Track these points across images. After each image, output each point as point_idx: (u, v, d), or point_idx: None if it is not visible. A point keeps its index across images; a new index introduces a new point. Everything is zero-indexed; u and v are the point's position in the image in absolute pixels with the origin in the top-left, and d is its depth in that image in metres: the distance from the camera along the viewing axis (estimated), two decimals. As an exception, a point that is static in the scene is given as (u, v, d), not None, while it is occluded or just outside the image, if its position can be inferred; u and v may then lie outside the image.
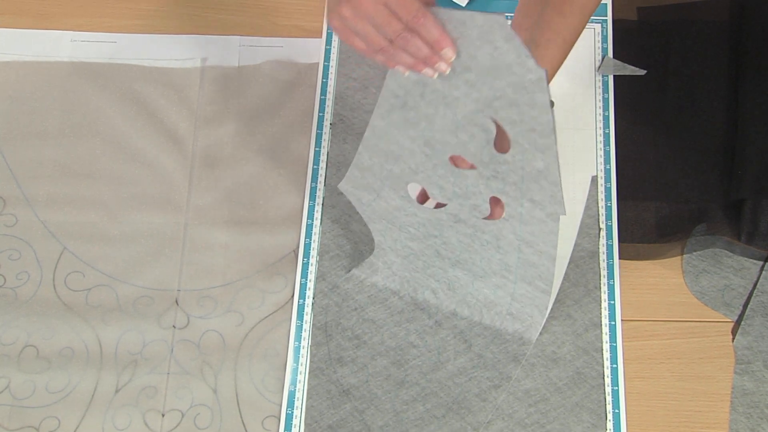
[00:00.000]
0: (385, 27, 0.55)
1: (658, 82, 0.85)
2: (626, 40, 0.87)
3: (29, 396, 0.75)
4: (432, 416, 0.73)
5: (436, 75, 0.58)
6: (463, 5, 0.87)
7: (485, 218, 0.67)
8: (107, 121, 0.84)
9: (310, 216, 0.81)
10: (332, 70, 0.86)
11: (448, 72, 0.58)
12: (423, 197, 0.72)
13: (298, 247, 0.80)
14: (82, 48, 0.87)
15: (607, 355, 0.75)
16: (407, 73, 0.59)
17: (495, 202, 0.67)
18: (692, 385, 0.75)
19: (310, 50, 0.87)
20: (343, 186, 0.72)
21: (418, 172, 0.67)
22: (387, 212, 0.72)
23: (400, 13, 0.55)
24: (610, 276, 0.78)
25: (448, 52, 0.56)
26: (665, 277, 0.79)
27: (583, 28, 0.69)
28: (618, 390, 0.74)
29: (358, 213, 0.80)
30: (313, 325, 0.77)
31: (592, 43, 0.87)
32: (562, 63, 0.70)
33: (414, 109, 0.62)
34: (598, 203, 0.80)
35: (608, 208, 0.80)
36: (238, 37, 0.88)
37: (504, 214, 0.66)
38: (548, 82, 0.59)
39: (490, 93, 0.57)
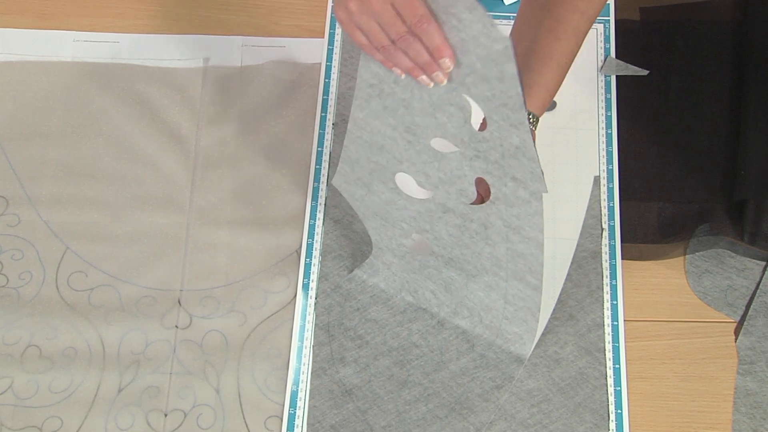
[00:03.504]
0: (389, 26, 0.55)
1: (661, 82, 0.85)
2: (629, 41, 0.87)
3: (32, 396, 0.75)
4: (435, 416, 0.73)
5: (432, 84, 0.58)
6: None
7: (472, 203, 0.66)
8: (110, 121, 0.84)
9: (313, 216, 0.81)
10: (334, 70, 0.86)
11: (444, 82, 0.58)
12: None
13: (300, 247, 0.80)
14: (85, 48, 0.87)
15: (609, 355, 0.75)
16: (402, 76, 0.59)
17: (481, 184, 0.66)
18: (695, 386, 0.75)
19: (312, 50, 0.87)
20: (336, 182, 0.72)
21: (402, 161, 0.66)
22: (379, 207, 0.72)
23: (405, 14, 0.54)
24: (613, 276, 0.78)
25: (446, 62, 0.56)
26: (668, 277, 0.79)
27: (578, 50, 0.69)
28: (620, 390, 0.74)
29: (360, 213, 0.80)
30: (315, 325, 0.77)
31: (594, 43, 0.86)
32: (558, 87, 0.69)
33: (390, 95, 0.61)
34: (600, 203, 0.80)
35: (611, 209, 0.80)
36: (241, 37, 0.88)
37: (490, 197, 0.65)
38: (543, 111, 0.58)
39: (462, 70, 0.57)
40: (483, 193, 0.66)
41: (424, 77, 0.58)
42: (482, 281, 0.72)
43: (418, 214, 0.70)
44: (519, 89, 0.56)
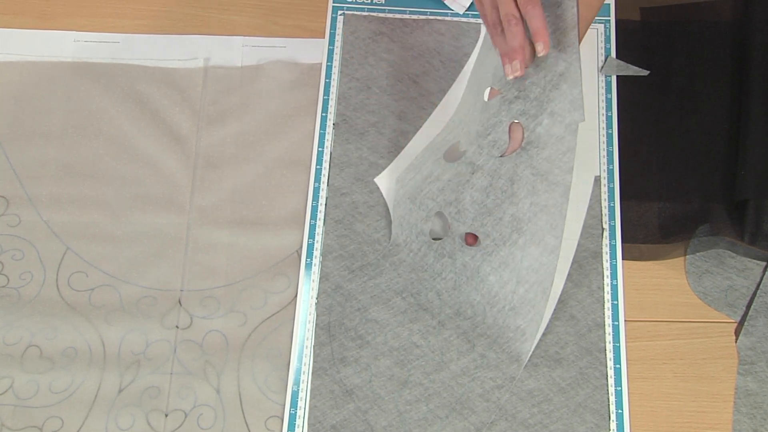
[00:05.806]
0: (503, 5, 0.62)
1: (661, 82, 0.85)
2: (629, 41, 0.87)
3: (32, 396, 0.75)
4: (435, 416, 0.73)
5: (511, 76, 0.65)
6: (461, 12, 0.87)
7: (502, 155, 0.69)
8: (110, 121, 0.84)
9: (313, 216, 0.81)
10: (335, 71, 0.86)
11: (518, 74, 0.64)
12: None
13: (301, 247, 0.80)
14: (85, 48, 0.87)
15: (610, 355, 0.75)
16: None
17: (514, 130, 0.69)
18: (695, 386, 0.75)
19: (312, 50, 0.87)
20: (399, 177, 0.80)
21: (462, 125, 0.72)
22: (416, 186, 0.75)
23: None
24: (613, 276, 0.78)
25: (540, 46, 0.62)
26: (668, 277, 0.79)
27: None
28: (621, 390, 0.74)
29: (360, 213, 0.80)
30: (316, 325, 0.77)
31: (595, 43, 0.87)
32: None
33: (482, 60, 0.71)
34: (601, 203, 0.80)
35: (611, 209, 0.80)
36: (241, 37, 0.88)
37: (522, 143, 0.68)
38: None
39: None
40: (514, 147, 0.70)
41: (508, 66, 0.64)
42: (497, 258, 0.72)
43: (447, 184, 0.72)
44: (575, 9, 0.61)
